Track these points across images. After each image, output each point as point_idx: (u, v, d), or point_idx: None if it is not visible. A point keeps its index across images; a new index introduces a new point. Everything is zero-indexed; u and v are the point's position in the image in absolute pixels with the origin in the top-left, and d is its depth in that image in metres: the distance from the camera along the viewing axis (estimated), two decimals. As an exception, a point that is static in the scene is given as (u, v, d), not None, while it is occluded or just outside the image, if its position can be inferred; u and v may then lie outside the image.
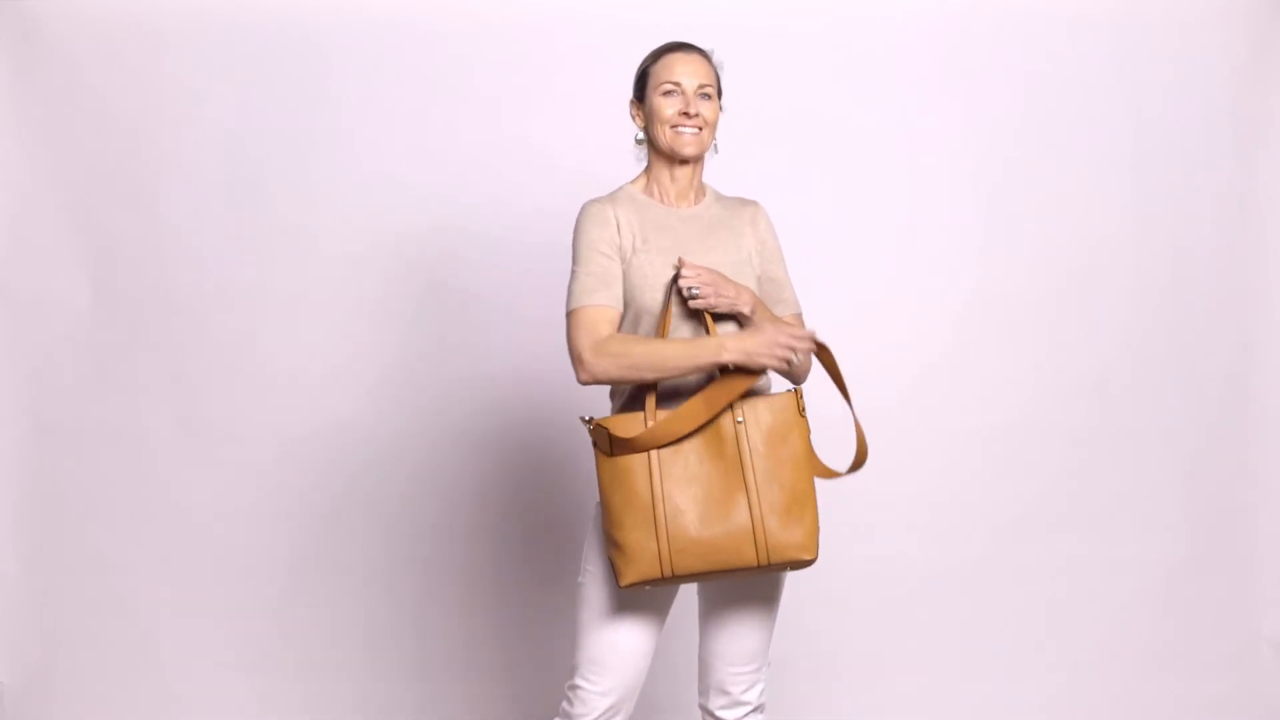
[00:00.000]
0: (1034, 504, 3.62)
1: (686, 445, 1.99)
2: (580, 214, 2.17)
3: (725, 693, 2.24)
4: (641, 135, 2.24)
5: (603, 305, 2.08)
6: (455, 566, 3.56)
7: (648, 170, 2.27)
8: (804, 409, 2.05)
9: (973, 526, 3.61)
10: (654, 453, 1.97)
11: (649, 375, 2.02)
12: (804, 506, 2.00)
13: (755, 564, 1.95)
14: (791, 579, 3.53)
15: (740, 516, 1.95)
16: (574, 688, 2.14)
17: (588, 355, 2.03)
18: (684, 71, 2.19)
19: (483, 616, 3.57)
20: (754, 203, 2.33)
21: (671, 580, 1.97)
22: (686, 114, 2.18)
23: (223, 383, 3.57)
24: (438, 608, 3.57)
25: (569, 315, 2.08)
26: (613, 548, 1.97)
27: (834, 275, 3.63)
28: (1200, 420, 3.69)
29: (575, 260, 2.12)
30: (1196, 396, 3.69)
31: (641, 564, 1.95)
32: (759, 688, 2.24)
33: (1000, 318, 3.64)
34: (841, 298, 3.64)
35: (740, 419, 2.00)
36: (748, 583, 2.19)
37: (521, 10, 3.58)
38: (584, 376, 2.04)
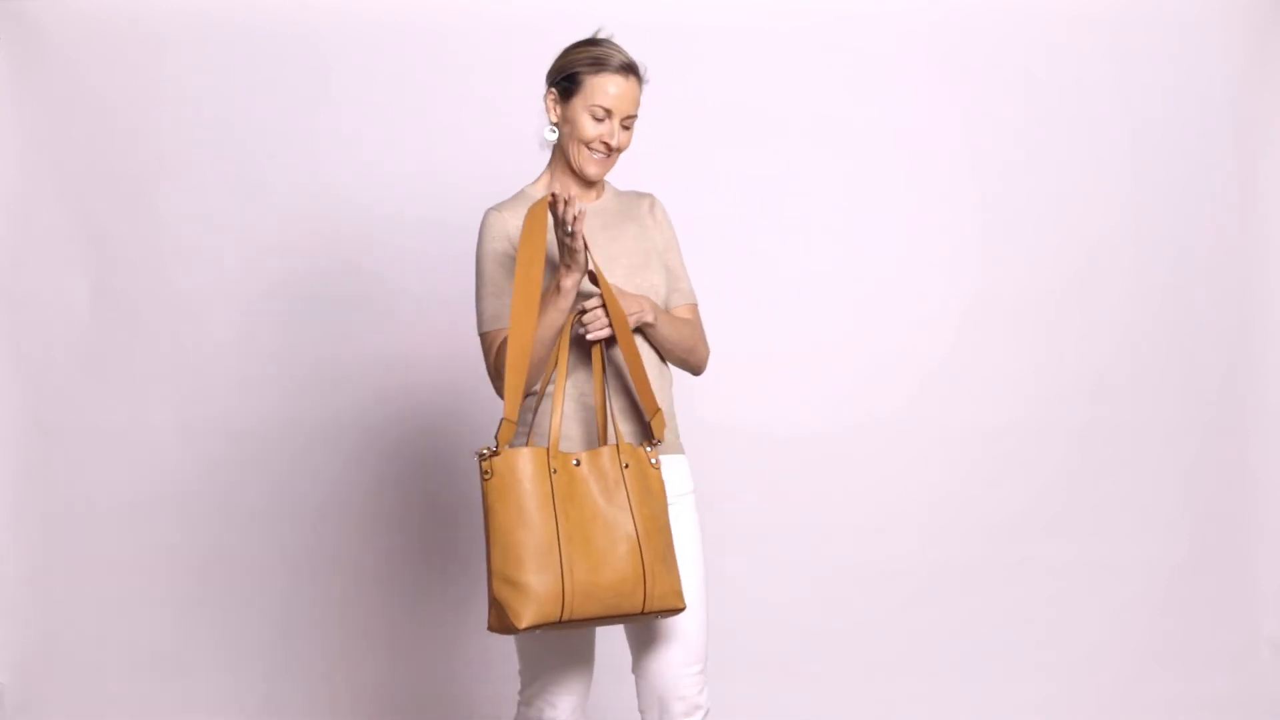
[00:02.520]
0: (1034, 504, 3.62)
1: (576, 487, 1.96)
2: (481, 225, 2.16)
3: (681, 697, 2.14)
4: (553, 133, 2.18)
5: (502, 329, 2.10)
6: (457, 566, 3.56)
7: (551, 169, 2.24)
8: (656, 462, 2.03)
9: (973, 526, 3.61)
10: (559, 495, 1.94)
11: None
12: (671, 553, 1.99)
13: (640, 610, 1.94)
14: (790, 579, 3.57)
15: (633, 562, 1.93)
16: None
17: (493, 381, 2.11)
18: (618, 99, 2.13)
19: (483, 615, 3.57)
20: (649, 194, 2.31)
21: (565, 624, 1.93)
22: (607, 144, 2.15)
23: (222, 382, 3.57)
24: (440, 607, 3.57)
25: (480, 337, 2.13)
26: (508, 587, 1.89)
27: (834, 275, 3.63)
28: (1200, 420, 3.69)
29: (477, 274, 2.14)
30: (1196, 396, 3.69)
31: (544, 606, 1.88)
32: (707, 689, 2.17)
33: (1000, 318, 3.64)
34: (841, 298, 3.64)
35: (626, 465, 1.99)
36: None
37: (521, 10, 3.58)
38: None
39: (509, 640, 3.61)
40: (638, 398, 2.08)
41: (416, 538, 3.59)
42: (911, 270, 3.64)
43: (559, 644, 2.13)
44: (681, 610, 1.99)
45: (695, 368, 2.26)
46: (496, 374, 2.09)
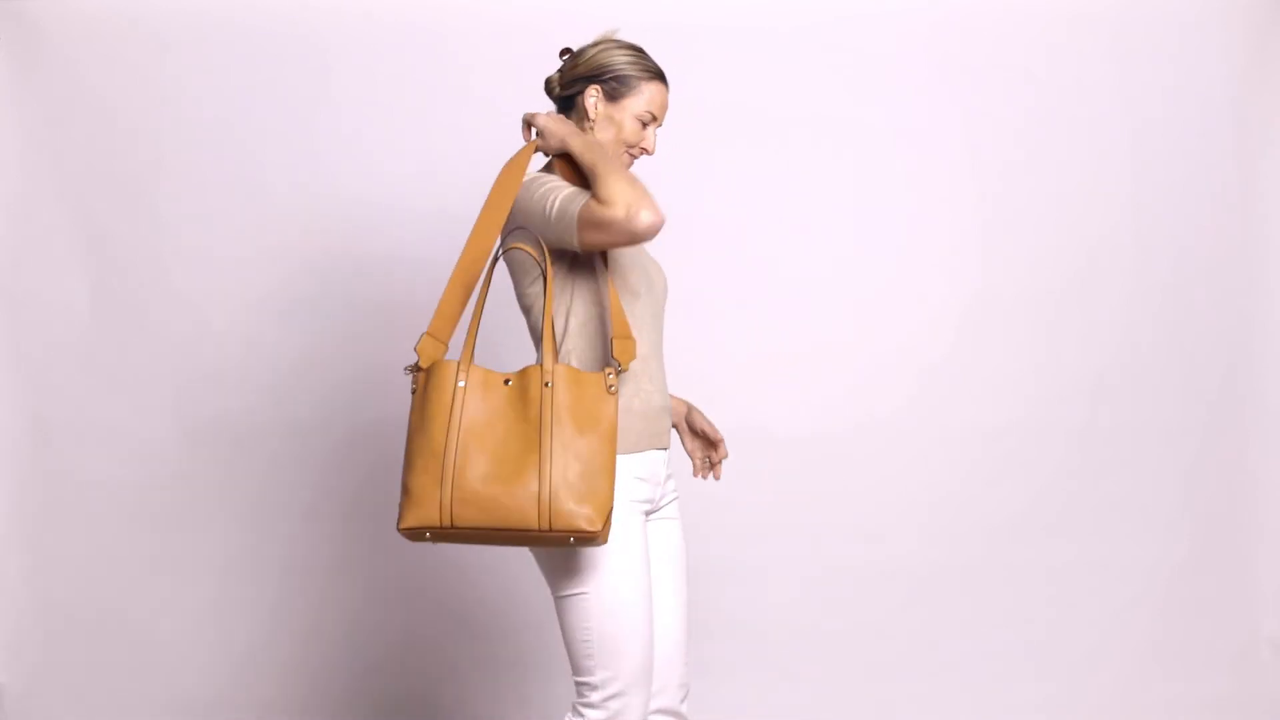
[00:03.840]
0: (1033, 504, 3.62)
1: (491, 402, 1.97)
2: (527, 177, 2.11)
3: (684, 684, 2.19)
4: (592, 127, 2.18)
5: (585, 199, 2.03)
6: (460, 565, 3.56)
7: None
8: (613, 388, 1.97)
9: (972, 526, 3.61)
10: (458, 405, 1.96)
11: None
12: (598, 482, 1.91)
13: (537, 526, 1.89)
14: (790, 579, 3.57)
15: (530, 479, 1.90)
16: (617, 698, 2.05)
17: (629, 205, 1.94)
18: (663, 107, 2.19)
19: (492, 615, 3.57)
20: None
21: (452, 532, 1.93)
22: (645, 150, 2.19)
23: (223, 382, 3.57)
24: (443, 607, 3.58)
25: (585, 205, 1.98)
26: (402, 492, 1.95)
27: (834, 275, 3.63)
28: (1200, 420, 3.69)
29: (543, 192, 2.05)
30: (1196, 396, 3.69)
31: (423, 509, 1.92)
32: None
33: (1000, 318, 3.65)
34: (841, 298, 3.64)
35: (548, 383, 1.96)
36: (666, 557, 2.17)
37: (521, 9, 3.58)
38: (647, 219, 1.94)
39: (510, 642, 3.61)
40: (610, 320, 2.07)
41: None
42: (912, 270, 3.64)
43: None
44: (594, 537, 1.90)
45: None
46: (616, 193, 1.96)
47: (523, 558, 3.53)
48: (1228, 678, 3.62)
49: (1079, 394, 3.65)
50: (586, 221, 1.97)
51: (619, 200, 1.94)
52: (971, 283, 3.65)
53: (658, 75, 2.19)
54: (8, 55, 3.60)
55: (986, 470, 3.62)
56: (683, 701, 2.20)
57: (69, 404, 3.60)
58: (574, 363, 2.07)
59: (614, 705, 2.02)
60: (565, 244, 2.02)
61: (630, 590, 2.04)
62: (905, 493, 3.60)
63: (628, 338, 2.03)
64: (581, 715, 2.03)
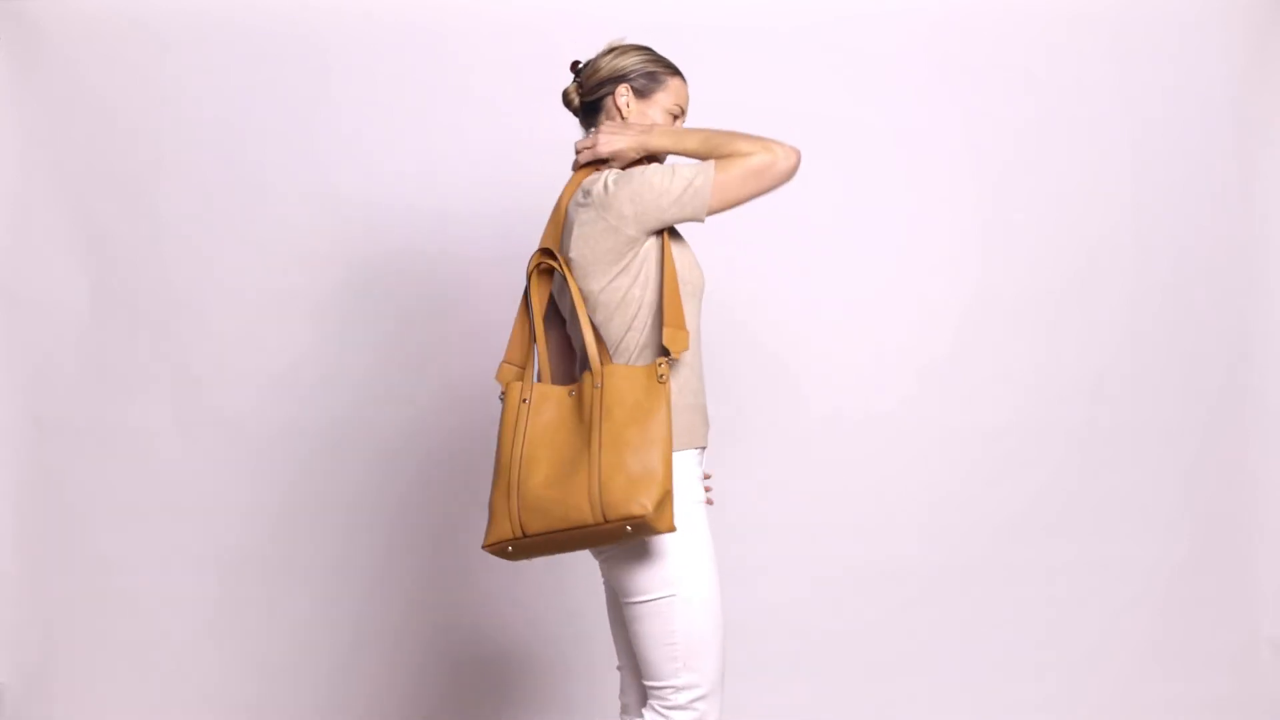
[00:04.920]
0: (1033, 504, 3.62)
1: (554, 414, 2.01)
2: (612, 171, 2.09)
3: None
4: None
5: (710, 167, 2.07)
6: (462, 565, 3.56)
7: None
8: (663, 376, 1.97)
9: (972, 526, 3.61)
10: (521, 421, 2.02)
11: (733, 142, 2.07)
12: (648, 467, 1.91)
13: (592, 520, 1.90)
14: (790, 579, 3.57)
15: (582, 475, 1.93)
16: (704, 700, 2.05)
17: (770, 145, 2.04)
18: (687, 101, 2.26)
19: (496, 617, 3.57)
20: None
21: (527, 542, 1.96)
22: None
23: (223, 382, 3.57)
24: (445, 607, 3.57)
25: (723, 163, 2.03)
26: (488, 511, 2.01)
27: (834, 275, 3.63)
28: (1200, 420, 3.69)
29: (660, 178, 2.04)
30: (1196, 396, 3.69)
31: (498, 524, 1.98)
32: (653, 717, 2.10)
33: (1000, 318, 3.64)
34: (841, 298, 3.64)
35: (598, 385, 1.98)
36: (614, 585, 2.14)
37: (521, 9, 3.58)
38: (791, 152, 2.05)
39: (518, 643, 3.60)
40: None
41: (418, 538, 3.59)
42: (912, 270, 3.64)
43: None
44: (648, 522, 1.88)
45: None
46: (751, 144, 2.04)
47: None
48: (1228, 678, 3.62)
49: (1079, 394, 3.65)
50: (738, 175, 2.02)
51: (760, 145, 2.02)
52: (971, 282, 3.65)
53: (678, 71, 2.25)
54: (8, 55, 3.60)
55: (986, 470, 3.62)
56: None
57: (69, 404, 3.60)
58: (644, 358, 2.08)
59: (701, 707, 2.04)
60: (689, 217, 2.06)
61: (711, 590, 2.05)
62: (905, 492, 3.60)
63: (680, 328, 2.04)
64: (666, 717, 2.04)
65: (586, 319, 2.04)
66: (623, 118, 2.20)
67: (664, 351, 2.03)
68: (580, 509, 1.92)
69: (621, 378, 1.98)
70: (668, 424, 1.95)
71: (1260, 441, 3.72)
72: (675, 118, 2.23)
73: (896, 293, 3.63)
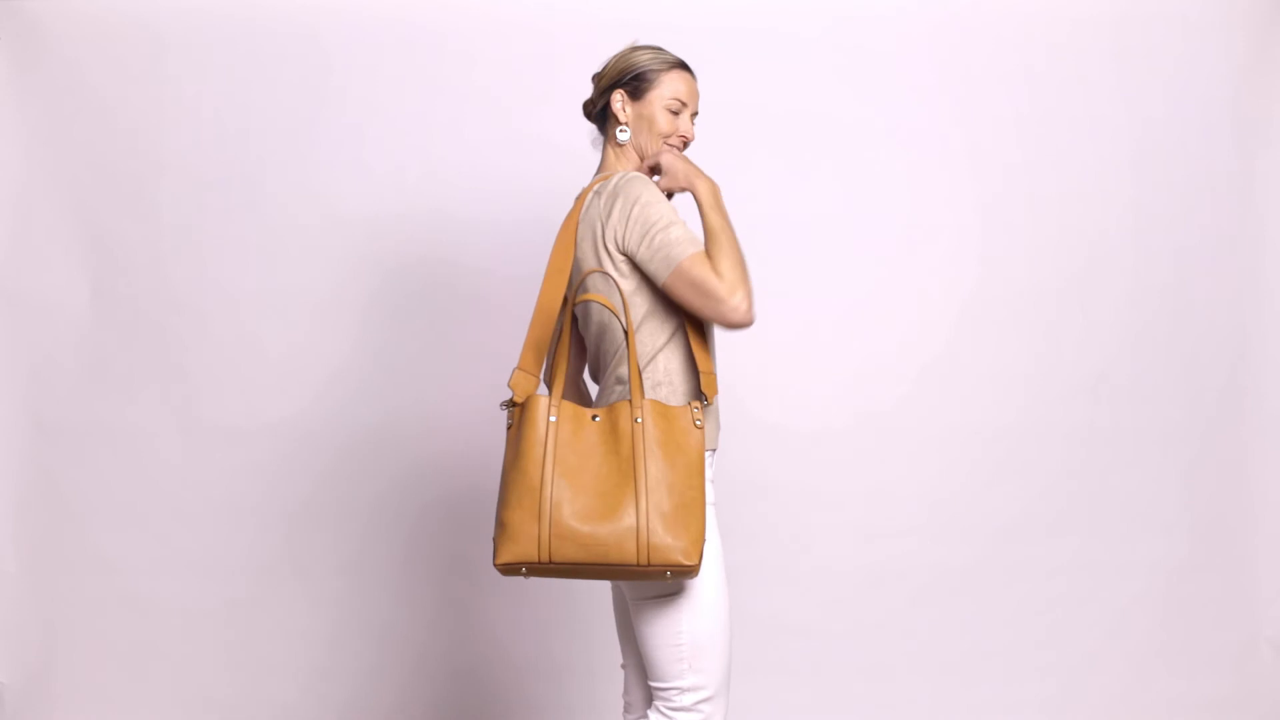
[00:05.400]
0: (1033, 504, 3.62)
1: (583, 438, 1.99)
2: (635, 181, 2.10)
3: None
4: (625, 132, 2.22)
5: (702, 249, 2.05)
6: (464, 566, 3.56)
7: (624, 161, 2.26)
8: (699, 422, 2.01)
9: (972, 526, 3.61)
10: (550, 440, 1.98)
11: (738, 250, 2.06)
12: (690, 514, 1.95)
13: (635, 562, 1.92)
14: (790, 579, 3.57)
15: (627, 513, 1.93)
16: (708, 702, 2.07)
17: (730, 303, 1.98)
18: (690, 94, 2.23)
19: (500, 620, 3.57)
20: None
21: (549, 568, 1.95)
22: (684, 138, 2.22)
23: (222, 382, 3.57)
24: (445, 608, 3.58)
25: (680, 266, 2.01)
26: (497, 526, 1.97)
27: (834, 275, 3.63)
28: (1200, 420, 3.69)
29: (662, 216, 2.05)
30: (1196, 396, 3.69)
31: (519, 545, 1.94)
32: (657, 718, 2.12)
33: (1000, 318, 3.65)
34: (841, 298, 3.64)
35: (639, 419, 1.98)
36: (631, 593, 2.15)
37: (522, 8, 3.58)
38: (744, 319, 2.00)
39: (523, 647, 3.59)
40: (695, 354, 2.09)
41: (419, 539, 3.58)
42: (911, 270, 3.64)
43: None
44: (689, 570, 1.93)
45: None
46: (734, 275, 2.01)
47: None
48: (1228, 678, 3.62)
49: (1079, 394, 3.65)
50: (689, 279, 1.99)
51: (731, 280, 1.99)
52: (971, 282, 3.65)
53: (677, 64, 2.23)
54: (8, 54, 3.60)
55: (986, 470, 3.62)
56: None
57: (69, 404, 3.60)
58: (670, 397, 2.08)
59: (706, 709, 2.05)
60: (649, 273, 2.04)
61: (719, 593, 2.07)
62: (905, 493, 3.60)
63: (711, 373, 2.07)
64: (670, 717, 2.05)
65: (634, 348, 2.05)
66: (619, 122, 2.21)
67: (698, 394, 2.06)
68: (624, 550, 1.92)
69: (661, 415, 1.99)
70: (702, 469, 1.98)
71: (1260, 441, 3.73)
72: (676, 113, 2.21)
73: (896, 292, 3.63)
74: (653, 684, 2.08)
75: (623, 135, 2.22)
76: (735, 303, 1.98)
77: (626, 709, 2.27)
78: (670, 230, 2.03)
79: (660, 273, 2.03)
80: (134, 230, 3.60)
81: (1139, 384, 3.67)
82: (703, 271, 1.99)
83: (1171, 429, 3.67)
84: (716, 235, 2.04)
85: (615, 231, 2.06)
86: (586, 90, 3.44)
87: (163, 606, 3.57)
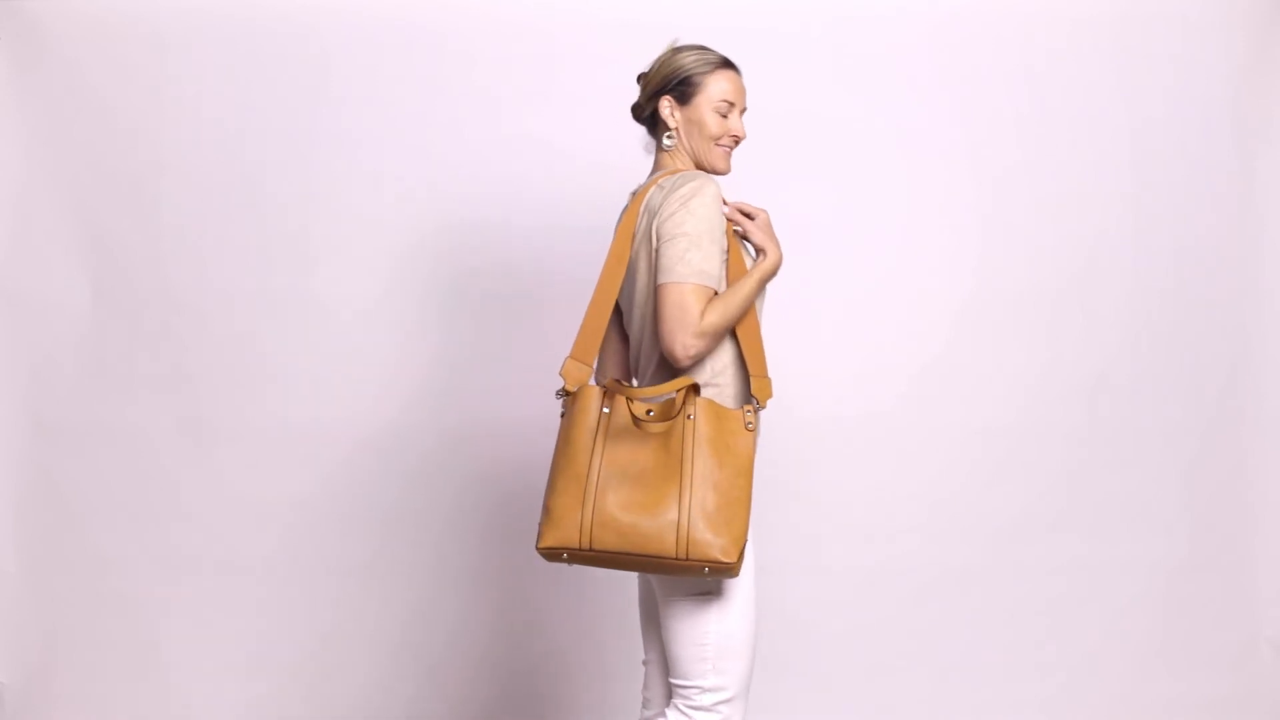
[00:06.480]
0: (1033, 504, 3.62)
1: (635, 431, 2.01)
2: (707, 186, 2.09)
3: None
4: (672, 139, 2.22)
5: (714, 289, 2.06)
6: (461, 567, 3.56)
7: (672, 162, 2.26)
8: (751, 425, 2.03)
9: (972, 526, 3.61)
10: (601, 430, 2.01)
11: (739, 320, 2.08)
12: (734, 514, 1.98)
13: (674, 555, 1.93)
14: (790, 579, 3.57)
15: (670, 508, 1.95)
16: (728, 704, 2.09)
17: (693, 334, 2.01)
18: (738, 92, 2.24)
19: (486, 617, 3.57)
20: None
21: (589, 555, 1.97)
22: (736, 137, 2.23)
23: (222, 382, 3.57)
24: (444, 609, 3.57)
25: (683, 286, 2.03)
26: (543, 511, 2.00)
27: (833, 275, 3.63)
28: (1200, 420, 3.69)
29: (701, 232, 2.05)
30: (1196, 396, 3.69)
31: (562, 530, 1.96)
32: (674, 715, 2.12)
33: (999, 317, 3.64)
34: (841, 297, 3.64)
35: (691, 416, 2.00)
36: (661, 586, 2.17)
37: (522, 8, 3.58)
38: (693, 355, 2.02)
39: (529, 647, 3.59)
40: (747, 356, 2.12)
41: (419, 539, 3.58)
42: (911, 270, 3.64)
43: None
44: (727, 568, 1.95)
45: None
46: (698, 337, 2.03)
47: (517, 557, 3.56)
48: (1228, 678, 3.62)
49: (1079, 394, 3.65)
50: (678, 300, 2.01)
51: (707, 328, 2.01)
52: (971, 282, 3.65)
53: (722, 64, 2.23)
54: (8, 54, 3.60)
55: (986, 470, 3.62)
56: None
57: (69, 404, 3.60)
58: (718, 398, 2.10)
59: (725, 710, 2.07)
60: (656, 266, 2.06)
61: (748, 595, 2.12)
62: (905, 493, 3.60)
63: (764, 376, 2.10)
64: (689, 716, 2.06)
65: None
66: (668, 129, 2.21)
67: (749, 397, 2.09)
68: (664, 541, 1.94)
69: (714, 415, 2.01)
70: (751, 471, 2.01)
71: (1260, 441, 3.72)
72: (725, 114, 2.21)
73: (896, 292, 3.63)
74: (674, 681, 2.09)
75: (668, 142, 2.22)
76: (690, 344, 2.01)
77: (645, 704, 2.28)
78: (696, 249, 2.04)
79: (662, 276, 2.04)
80: (134, 230, 3.59)
81: (1139, 384, 3.67)
82: (693, 303, 2.01)
83: (1171, 429, 3.67)
84: (739, 298, 2.06)
85: (660, 222, 2.08)
86: (588, 89, 3.47)
87: (162, 606, 3.56)
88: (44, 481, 3.61)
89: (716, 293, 2.07)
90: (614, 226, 2.36)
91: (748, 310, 2.09)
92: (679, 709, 2.07)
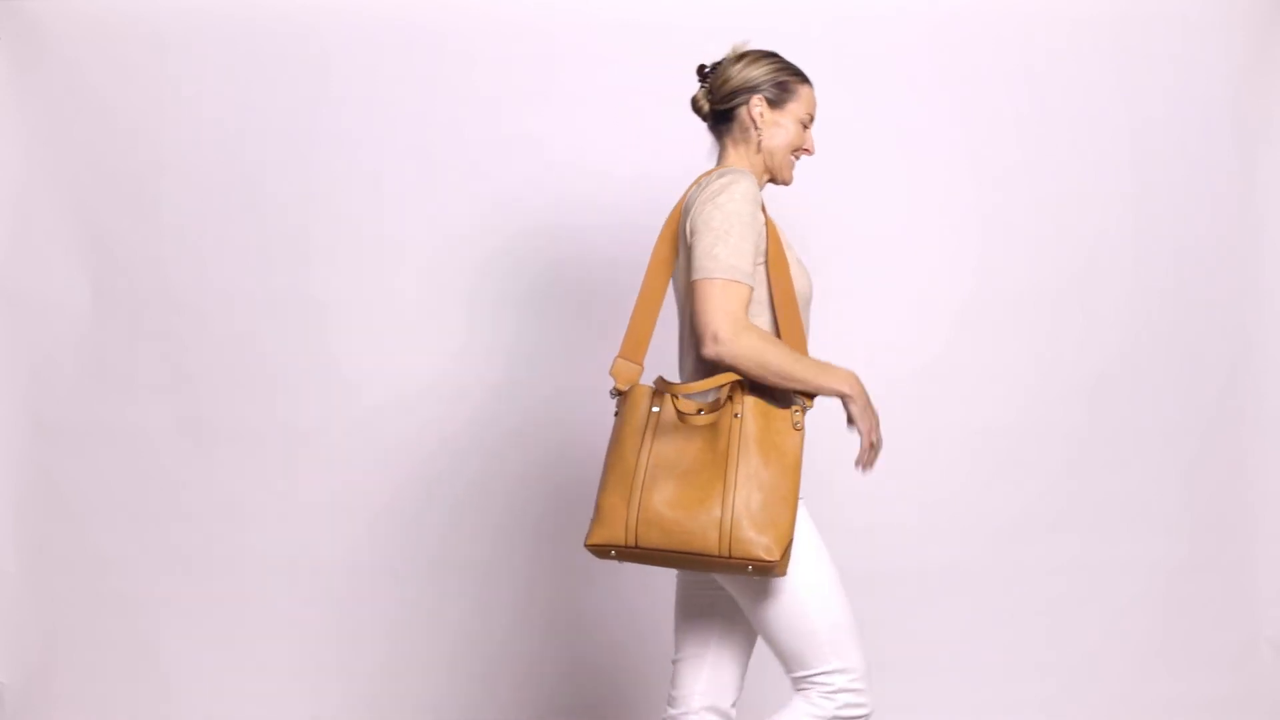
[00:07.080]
0: (1033, 504, 3.62)
1: (684, 430, 2.01)
2: (739, 181, 2.08)
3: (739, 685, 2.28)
4: (759, 134, 2.22)
5: (747, 285, 2.03)
6: (462, 565, 3.56)
7: (738, 163, 2.25)
8: (800, 425, 2.04)
9: (972, 526, 3.61)
10: (650, 429, 2.02)
11: (771, 379, 2.03)
12: (779, 513, 1.97)
13: (717, 552, 1.93)
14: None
15: (714, 506, 1.95)
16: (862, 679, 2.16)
17: (728, 330, 1.98)
18: (815, 109, 2.28)
19: (485, 616, 3.57)
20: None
21: (636, 552, 1.97)
22: (807, 151, 2.27)
23: (222, 383, 3.57)
24: (443, 608, 3.57)
25: (713, 281, 2.01)
26: (594, 509, 2.01)
27: (833, 275, 3.62)
28: (1200, 420, 3.69)
29: (729, 227, 2.03)
30: (1196, 396, 3.69)
31: (609, 527, 1.97)
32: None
33: (999, 317, 3.64)
34: (841, 297, 3.62)
35: (738, 414, 2.00)
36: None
37: (522, 8, 3.58)
38: (719, 351, 1.99)
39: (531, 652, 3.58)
40: None
41: (420, 539, 3.59)
42: (911, 270, 3.64)
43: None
44: (771, 568, 1.94)
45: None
46: (737, 330, 1.99)
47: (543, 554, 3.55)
48: (1228, 678, 3.62)
49: (1079, 394, 3.65)
50: (702, 296, 1.99)
51: (740, 338, 1.98)
52: (971, 282, 3.65)
53: (808, 78, 2.28)
54: (8, 54, 3.60)
55: (986, 470, 3.61)
56: (733, 705, 2.28)
57: (69, 404, 3.60)
58: (770, 397, 2.09)
59: (860, 685, 2.18)
60: (689, 266, 2.05)
61: (831, 575, 2.16)
62: (905, 493, 3.59)
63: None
64: (829, 700, 2.12)
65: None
66: (756, 128, 2.22)
67: (795, 398, 2.08)
68: (707, 538, 1.94)
69: (761, 414, 2.01)
70: (798, 471, 2.01)
71: (1260, 441, 3.72)
72: (805, 126, 2.24)
73: (896, 292, 3.63)
74: (798, 674, 2.12)
75: (764, 139, 2.23)
76: (721, 334, 1.98)
77: (670, 703, 2.27)
78: (722, 243, 2.02)
79: (693, 273, 2.03)
80: (134, 230, 3.59)
81: (1139, 384, 3.67)
82: (721, 297, 1.99)
83: (1171, 429, 3.67)
84: (789, 361, 2.03)
85: (691, 220, 2.08)
86: (588, 89, 3.47)
87: (162, 606, 3.56)
88: (44, 481, 3.61)
89: (749, 287, 2.03)
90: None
91: (785, 373, 2.03)
92: (811, 700, 2.11)
